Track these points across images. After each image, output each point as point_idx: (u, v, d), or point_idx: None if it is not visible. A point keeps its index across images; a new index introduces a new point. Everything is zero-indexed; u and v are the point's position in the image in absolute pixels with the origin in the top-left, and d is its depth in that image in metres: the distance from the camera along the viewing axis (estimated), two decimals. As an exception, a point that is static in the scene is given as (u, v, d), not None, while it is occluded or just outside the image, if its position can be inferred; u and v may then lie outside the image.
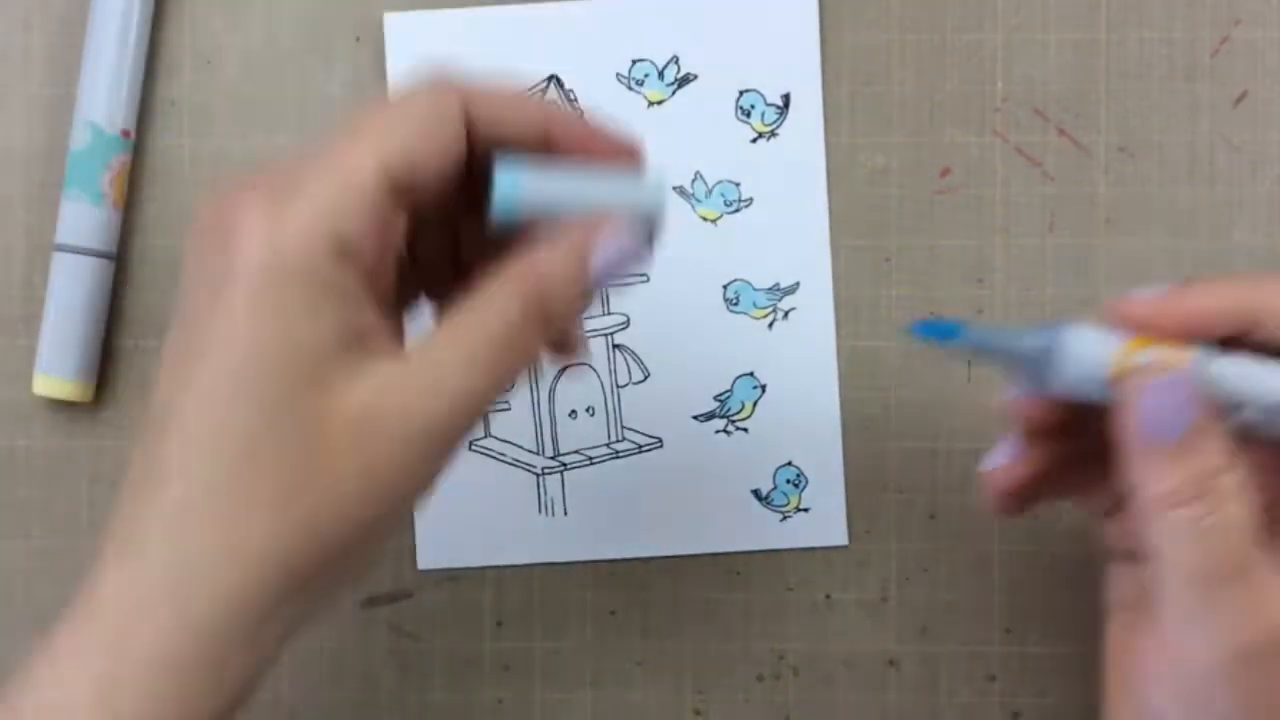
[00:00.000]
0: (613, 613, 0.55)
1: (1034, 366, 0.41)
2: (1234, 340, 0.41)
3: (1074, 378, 0.40)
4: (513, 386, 0.45)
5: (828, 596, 0.55)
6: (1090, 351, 0.40)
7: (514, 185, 0.39)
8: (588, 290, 0.39)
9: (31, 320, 0.55)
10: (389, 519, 0.37)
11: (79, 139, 0.54)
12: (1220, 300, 0.41)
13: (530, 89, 0.54)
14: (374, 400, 0.36)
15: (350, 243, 0.36)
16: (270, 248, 0.36)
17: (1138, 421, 0.40)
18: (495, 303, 0.38)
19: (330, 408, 0.36)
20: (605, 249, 0.39)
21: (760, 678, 0.55)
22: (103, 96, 0.54)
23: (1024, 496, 0.45)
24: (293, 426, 0.35)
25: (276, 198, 0.36)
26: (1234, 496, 0.39)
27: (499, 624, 0.56)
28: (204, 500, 0.35)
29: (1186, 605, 0.39)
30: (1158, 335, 0.40)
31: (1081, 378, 0.40)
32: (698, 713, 0.55)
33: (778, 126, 0.54)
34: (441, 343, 0.38)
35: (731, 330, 0.54)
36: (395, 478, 0.36)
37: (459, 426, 0.37)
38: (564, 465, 0.55)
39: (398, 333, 0.40)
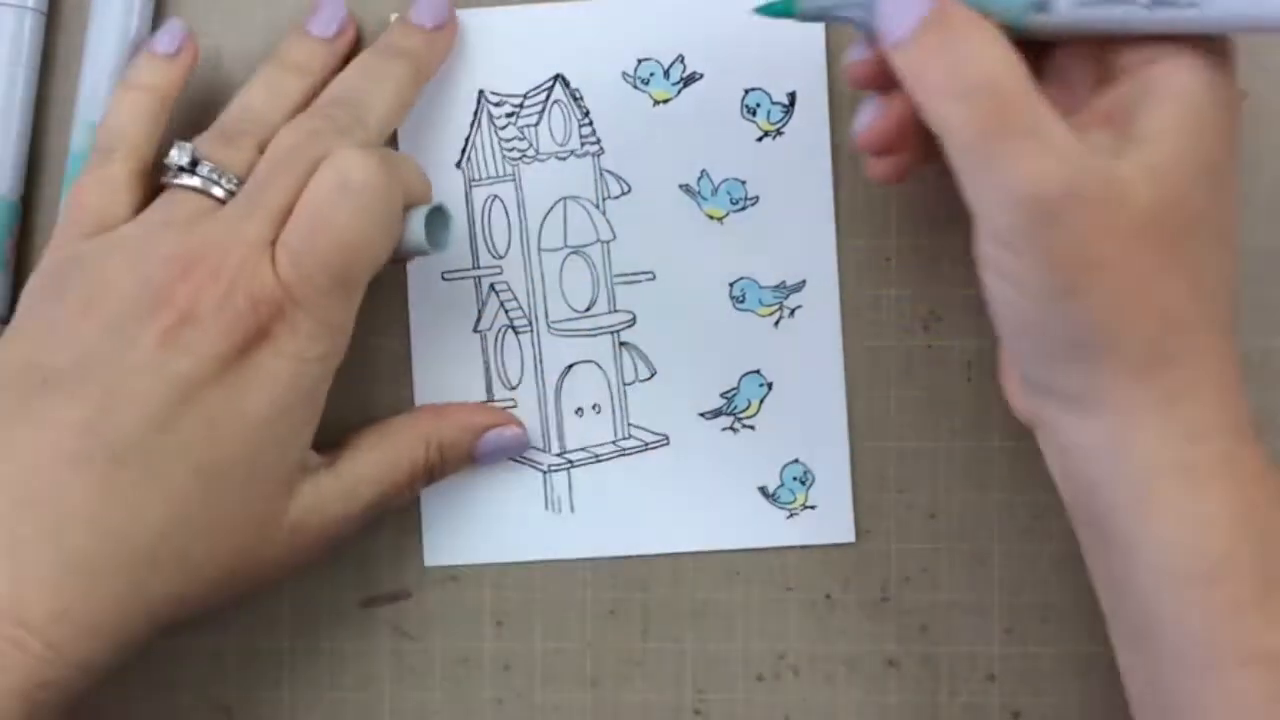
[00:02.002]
0: (613, 613, 0.55)
1: (860, 18, 0.45)
2: None
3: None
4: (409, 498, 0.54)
5: (828, 596, 0.55)
6: None
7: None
8: (474, 460, 0.54)
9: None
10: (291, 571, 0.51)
11: (79, 139, 0.54)
12: None
13: (535, 89, 0.55)
14: (309, 509, 0.49)
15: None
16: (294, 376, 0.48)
17: (882, 28, 0.44)
18: (406, 440, 0.52)
19: (283, 510, 0.49)
20: (493, 438, 0.54)
21: (760, 678, 0.55)
22: (103, 96, 0.54)
23: (899, 161, 0.48)
24: (261, 514, 0.49)
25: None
26: (992, 62, 0.41)
27: (499, 624, 0.55)
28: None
29: (969, 173, 0.42)
30: None
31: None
32: (698, 713, 0.55)
33: (783, 125, 0.54)
34: (361, 461, 0.51)
35: (738, 328, 0.55)
36: (309, 558, 0.51)
37: (360, 524, 0.52)
38: (570, 462, 0.55)
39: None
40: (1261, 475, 0.43)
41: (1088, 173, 0.41)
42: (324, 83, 0.52)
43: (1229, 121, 0.42)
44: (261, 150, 0.50)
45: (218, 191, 0.49)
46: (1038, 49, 0.45)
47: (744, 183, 0.54)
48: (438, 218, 0.51)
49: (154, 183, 0.51)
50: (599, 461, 0.55)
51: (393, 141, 0.54)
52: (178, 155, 0.49)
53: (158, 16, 0.55)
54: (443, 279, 0.55)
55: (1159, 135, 0.42)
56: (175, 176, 0.49)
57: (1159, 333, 0.42)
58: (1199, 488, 0.43)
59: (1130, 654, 0.46)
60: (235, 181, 0.49)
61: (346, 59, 0.53)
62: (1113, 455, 0.44)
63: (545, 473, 0.55)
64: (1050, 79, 0.46)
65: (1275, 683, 0.42)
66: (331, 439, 0.52)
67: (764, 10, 0.48)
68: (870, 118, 0.48)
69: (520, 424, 0.55)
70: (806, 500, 0.55)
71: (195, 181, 0.49)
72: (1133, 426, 0.43)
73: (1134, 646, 0.46)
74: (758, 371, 0.55)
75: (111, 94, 0.53)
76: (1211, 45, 0.43)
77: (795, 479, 0.55)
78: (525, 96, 0.55)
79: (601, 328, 0.55)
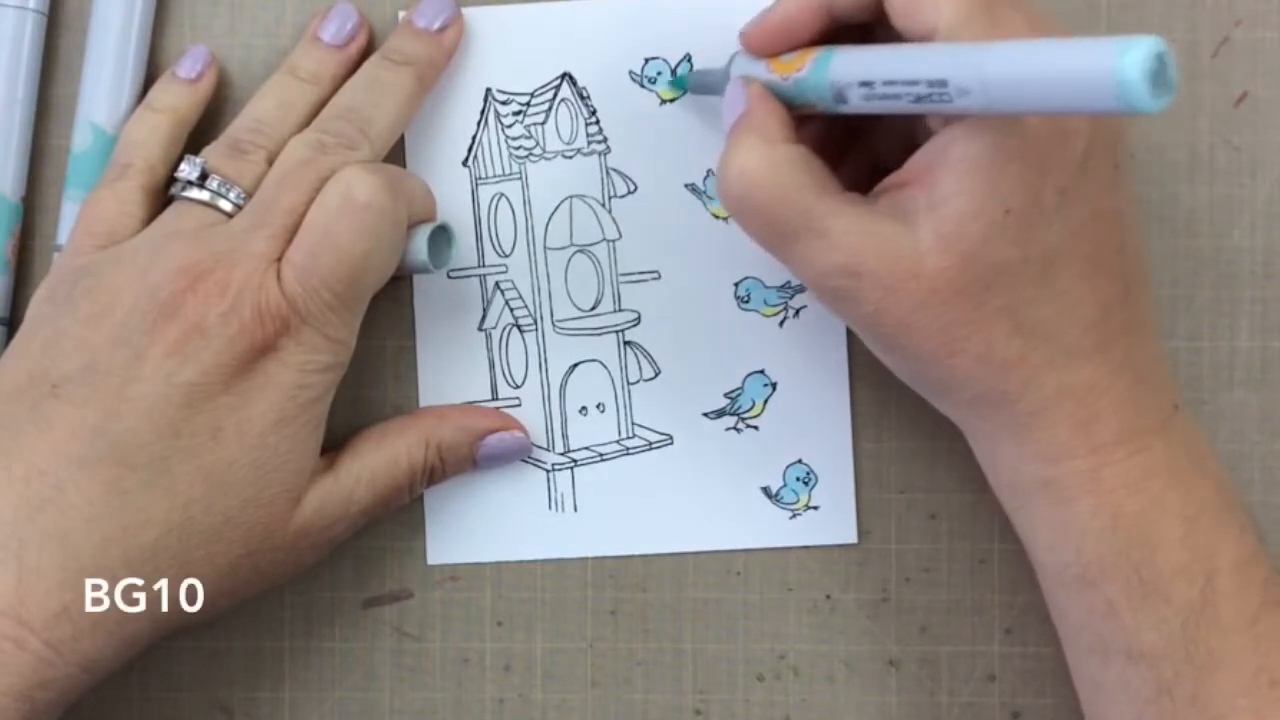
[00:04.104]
0: (613, 613, 0.55)
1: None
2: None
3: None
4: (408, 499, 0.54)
5: (828, 596, 0.55)
6: (746, 73, 0.49)
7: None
8: (474, 462, 0.54)
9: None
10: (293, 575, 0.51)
11: (79, 139, 0.54)
12: (800, 4, 0.47)
13: (542, 87, 0.55)
14: (311, 513, 0.50)
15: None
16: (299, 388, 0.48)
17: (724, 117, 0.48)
18: (406, 442, 0.52)
19: (287, 517, 0.49)
20: (494, 442, 0.54)
21: (760, 678, 0.55)
22: (103, 96, 0.54)
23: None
24: (265, 521, 0.49)
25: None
26: (764, 177, 0.45)
27: (499, 624, 0.55)
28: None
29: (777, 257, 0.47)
30: (783, 48, 0.48)
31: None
32: (698, 713, 0.55)
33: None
34: (361, 462, 0.51)
35: (742, 328, 0.55)
36: (310, 559, 0.51)
37: (359, 525, 0.52)
38: (574, 462, 0.55)
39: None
40: (1134, 485, 0.46)
41: (872, 255, 0.44)
42: (335, 90, 0.52)
43: (1022, 172, 0.43)
44: (270, 161, 0.50)
45: (225, 205, 0.50)
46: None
47: (749, 182, 0.54)
48: (440, 236, 0.52)
49: (165, 198, 0.51)
50: (603, 461, 0.55)
51: (400, 141, 0.54)
52: (188, 170, 0.50)
53: (159, 18, 0.55)
54: (448, 277, 0.55)
55: (947, 201, 0.43)
56: (184, 190, 0.50)
57: (983, 374, 0.45)
58: (1064, 502, 0.46)
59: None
60: (243, 195, 0.50)
61: (359, 60, 0.53)
62: (991, 471, 0.48)
63: (549, 472, 0.55)
64: (877, 139, 0.51)
65: (1158, 679, 0.46)
66: (336, 439, 0.52)
67: (675, 83, 0.54)
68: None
69: (522, 427, 0.55)
70: (809, 501, 0.55)
71: (204, 195, 0.50)
72: (995, 447, 0.47)
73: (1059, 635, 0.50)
74: (762, 371, 0.55)
75: (111, 95, 0.54)
76: None
77: (798, 479, 0.55)
78: (532, 95, 0.54)
79: (606, 327, 0.55)
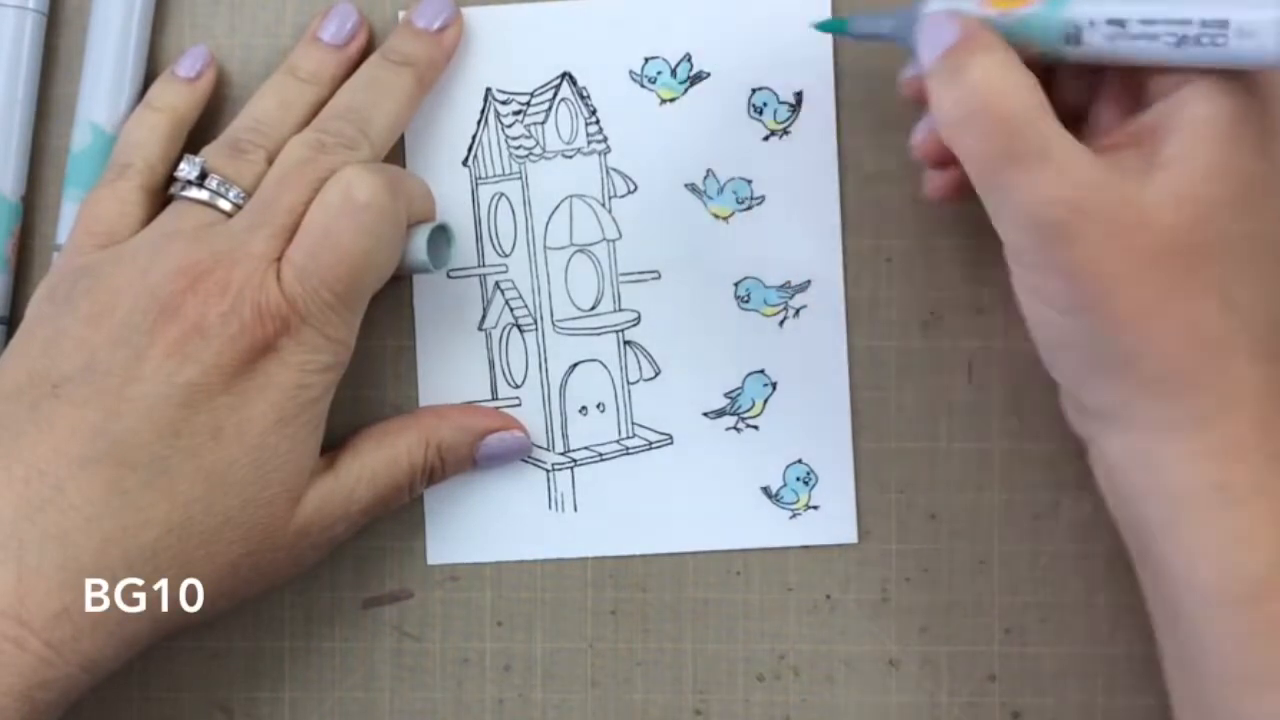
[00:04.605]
0: (613, 613, 0.55)
1: (907, 41, 0.47)
2: None
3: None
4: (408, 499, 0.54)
5: (828, 596, 0.55)
6: (949, 8, 0.45)
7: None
8: (474, 462, 0.54)
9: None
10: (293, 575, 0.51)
11: (79, 139, 0.54)
12: None
13: (542, 87, 0.55)
14: (312, 512, 0.49)
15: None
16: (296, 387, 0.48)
17: (918, 55, 0.45)
18: (405, 442, 0.52)
19: (287, 517, 0.49)
20: (494, 441, 0.54)
21: (760, 678, 0.55)
22: (103, 96, 0.54)
23: (954, 177, 0.50)
24: (265, 522, 0.48)
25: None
26: (999, 90, 0.43)
27: (499, 624, 0.55)
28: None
29: (985, 197, 0.44)
30: None
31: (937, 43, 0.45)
32: (698, 713, 0.55)
33: (790, 124, 0.54)
34: (361, 462, 0.51)
35: (742, 327, 0.55)
36: (310, 559, 0.51)
37: (358, 525, 0.52)
38: (574, 461, 0.55)
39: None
40: None
41: (1100, 193, 0.42)
42: (335, 90, 0.52)
43: (1260, 141, 0.42)
44: (270, 161, 0.50)
45: (225, 205, 0.50)
46: (1076, 70, 0.46)
47: (750, 182, 0.54)
48: (440, 236, 0.52)
49: (164, 197, 0.51)
50: (603, 461, 0.55)
51: (400, 141, 0.54)
52: (187, 169, 0.50)
53: (159, 18, 0.55)
54: (448, 277, 0.55)
55: (1180, 161, 0.42)
56: (184, 189, 0.50)
57: (1182, 351, 0.43)
58: (1234, 507, 0.43)
59: (1175, 669, 0.46)
60: (243, 195, 0.50)
61: (359, 60, 0.53)
62: (1146, 472, 0.44)
63: (549, 471, 0.55)
64: (1088, 99, 0.47)
65: None
66: (336, 438, 0.52)
67: (821, 26, 0.51)
68: (925, 132, 0.49)
69: (522, 427, 0.55)
70: (809, 501, 0.55)
71: (203, 195, 0.50)
72: (1163, 443, 0.44)
73: (1178, 663, 0.46)
74: (762, 371, 0.55)
75: (111, 95, 0.54)
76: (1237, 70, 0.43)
77: (798, 479, 0.55)
78: (532, 94, 0.55)
79: (606, 326, 0.55)
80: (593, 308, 0.55)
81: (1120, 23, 0.41)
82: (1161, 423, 0.44)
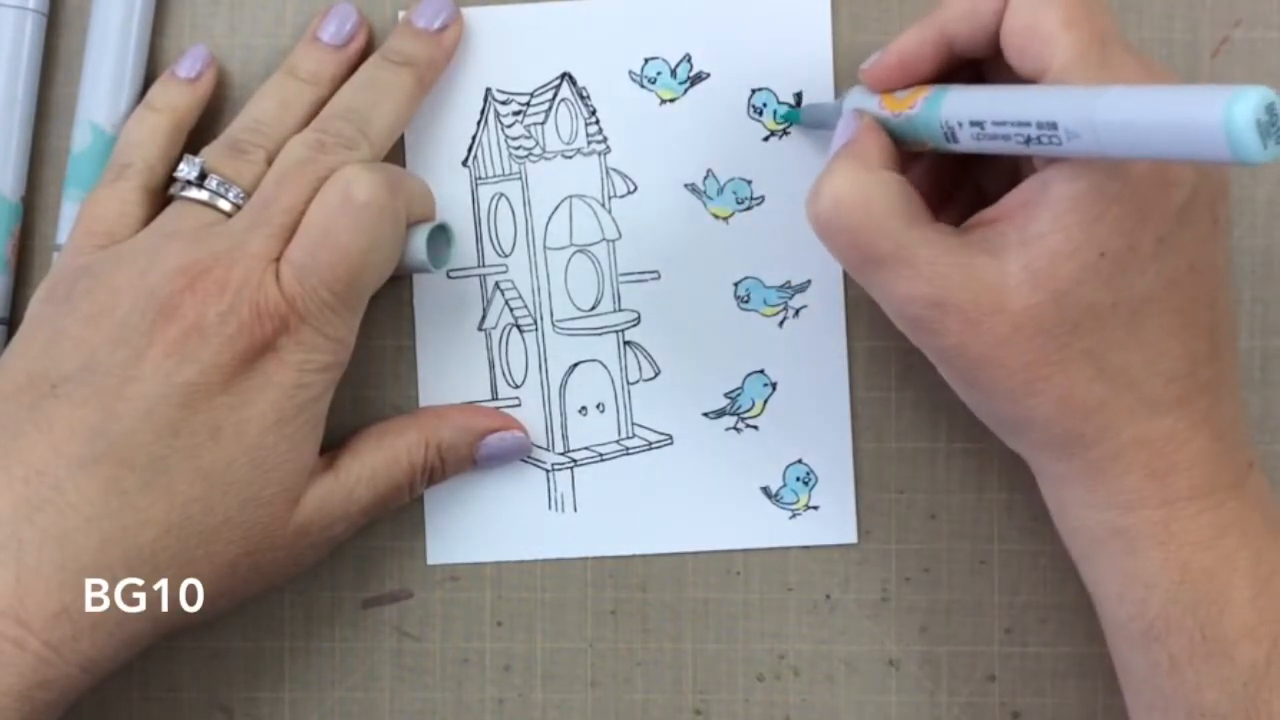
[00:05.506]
0: (613, 613, 0.55)
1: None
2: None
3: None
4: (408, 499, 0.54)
5: (828, 596, 0.55)
6: (859, 108, 0.49)
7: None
8: (474, 462, 0.54)
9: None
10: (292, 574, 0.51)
11: (79, 139, 0.54)
12: (919, 38, 0.47)
13: (542, 87, 0.55)
14: (312, 512, 0.50)
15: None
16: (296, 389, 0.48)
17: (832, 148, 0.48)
18: (405, 442, 0.52)
19: (287, 516, 0.49)
20: (494, 441, 0.54)
21: (760, 678, 0.55)
22: (103, 96, 0.54)
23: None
24: (265, 521, 0.48)
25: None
26: (858, 202, 0.45)
27: (499, 624, 0.55)
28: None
29: (865, 289, 0.47)
30: (900, 84, 0.48)
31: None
32: (698, 713, 0.55)
33: (790, 125, 0.54)
34: (361, 462, 0.51)
35: (742, 327, 0.55)
36: (310, 559, 0.51)
37: (358, 525, 0.52)
38: (574, 461, 0.55)
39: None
40: (1206, 542, 0.45)
41: (956, 286, 0.44)
42: (334, 90, 0.52)
43: (1123, 217, 0.43)
44: (270, 161, 0.51)
45: (224, 205, 0.50)
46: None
47: (750, 182, 0.54)
48: (440, 236, 0.52)
49: (164, 197, 0.51)
50: (602, 461, 0.55)
51: (400, 141, 0.54)
52: (187, 169, 0.50)
53: (159, 18, 0.55)
54: (448, 277, 0.55)
55: (1042, 239, 0.43)
56: (183, 189, 0.50)
57: (1060, 418, 0.45)
58: (1133, 553, 0.45)
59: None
60: (242, 195, 0.50)
61: (359, 60, 0.53)
62: (1061, 514, 0.48)
63: (549, 472, 0.55)
64: (985, 178, 0.51)
65: None
66: (336, 439, 0.52)
67: (783, 117, 0.55)
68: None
69: (522, 428, 0.55)
70: (809, 501, 0.55)
71: (203, 195, 0.50)
72: (1066, 492, 0.47)
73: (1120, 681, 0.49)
74: (762, 371, 0.55)
75: (111, 95, 0.54)
76: None
77: (798, 479, 0.55)
78: (532, 95, 0.55)
79: (606, 327, 0.55)
80: (593, 308, 0.55)
81: (980, 124, 0.44)
82: (1061, 475, 0.47)
